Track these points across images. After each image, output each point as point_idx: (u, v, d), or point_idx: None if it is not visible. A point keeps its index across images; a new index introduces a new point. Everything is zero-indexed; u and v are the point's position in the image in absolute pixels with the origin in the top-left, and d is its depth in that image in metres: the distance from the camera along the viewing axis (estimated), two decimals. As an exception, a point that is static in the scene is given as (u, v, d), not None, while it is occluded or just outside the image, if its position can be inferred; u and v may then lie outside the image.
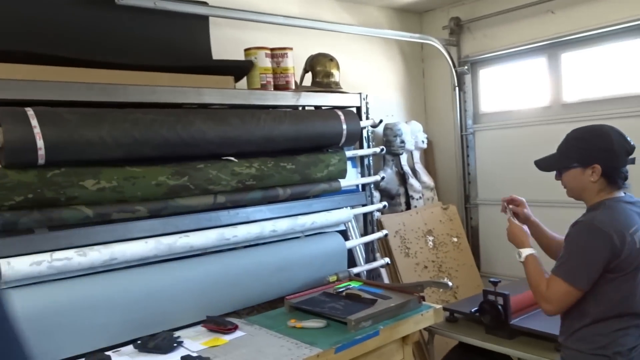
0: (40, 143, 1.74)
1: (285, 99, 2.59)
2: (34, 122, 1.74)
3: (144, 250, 2.05)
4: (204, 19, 2.55)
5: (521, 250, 1.80)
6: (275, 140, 2.43)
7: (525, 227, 1.91)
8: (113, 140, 1.94)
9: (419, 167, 3.88)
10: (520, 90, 3.66)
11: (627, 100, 3.11)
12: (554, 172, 1.80)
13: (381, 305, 2.13)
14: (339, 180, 2.74)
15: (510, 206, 1.97)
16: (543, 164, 1.81)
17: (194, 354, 1.79)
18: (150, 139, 2.04)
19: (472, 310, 2.37)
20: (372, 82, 3.64)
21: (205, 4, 2.55)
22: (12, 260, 1.72)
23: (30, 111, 1.75)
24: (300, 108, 2.72)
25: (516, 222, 1.92)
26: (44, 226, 1.85)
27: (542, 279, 1.70)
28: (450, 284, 2.28)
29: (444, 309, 2.42)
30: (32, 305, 1.75)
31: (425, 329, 2.40)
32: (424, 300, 2.28)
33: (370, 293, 2.27)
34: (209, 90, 2.31)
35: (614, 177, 1.68)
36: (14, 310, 1.64)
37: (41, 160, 1.77)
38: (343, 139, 2.68)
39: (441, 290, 3.16)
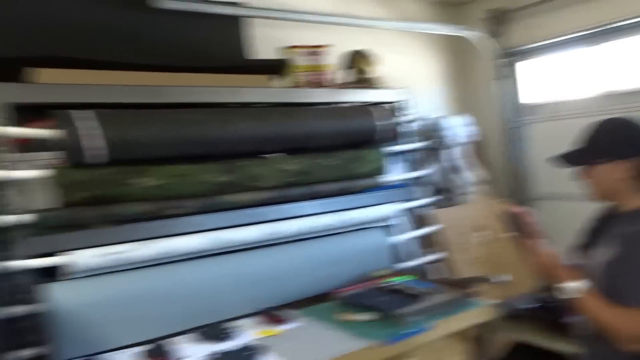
0: (101, 143, 1.81)
1: (322, 96, 2.58)
2: (95, 123, 1.81)
3: (194, 244, 2.09)
4: (238, 19, 2.57)
5: (569, 285, 1.49)
6: (317, 137, 2.42)
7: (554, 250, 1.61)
8: (163, 139, 1.99)
9: (470, 160, 3.77)
10: (564, 81, 3.51)
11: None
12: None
13: (433, 300, 2.07)
14: (380, 175, 2.69)
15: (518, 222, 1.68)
16: (570, 159, 1.60)
17: (254, 344, 1.81)
18: (199, 138, 2.08)
19: (532, 306, 2.26)
20: (416, 76, 3.60)
21: (238, 4, 2.58)
22: (77, 252, 1.82)
23: (91, 113, 1.83)
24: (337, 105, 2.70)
25: (543, 247, 1.60)
26: (103, 221, 1.92)
27: (619, 313, 1.40)
28: (506, 278, 2.18)
29: (501, 305, 2.32)
30: (93, 295, 1.85)
31: (482, 325, 2.31)
32: (479, 296, 2.20)
33: (421, 287, 2.21)
34: (245, 89, 2.32)
35: None
36: (76, 300, 1.76)
37: (102, 159, 1.84)
38: (378, 135, 2.63)
39: (497, 285, 3.04)
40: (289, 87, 2.49)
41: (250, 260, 2.24)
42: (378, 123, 2.57)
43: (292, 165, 2.34)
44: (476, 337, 2.36)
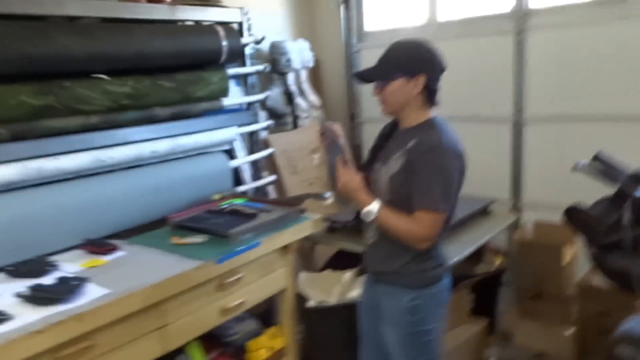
0: None
1: (159, 12, 2.45)
2: None
3: (9, 175, 1.94)
4: None
5: (369, 208, 1.61)
6: (150, 57, 2.33)
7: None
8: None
9: (306, 86, 3.92)
10: (401, 9, 3.76)
11: (494, 19, 3.33)
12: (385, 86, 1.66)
13: (262, 219, 2.23)
14: (222, 99, 2.71)
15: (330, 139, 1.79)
16: (367, 75, 1.68)
17: (71, 275, 1.78)
18: (5, 54, 1.87)
19: (351, 219, 2.55)
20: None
21: None
22: None
23: None
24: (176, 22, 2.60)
25: (348, 168, 1.69)
26: None
27: (408, 221, 1.59)
28: (328, 194, 2.41)
29: (324, 219, 2.58)
30: None
31: (307, 238, 2.56)
32: (304, 212, 2.41)
33: (253, 208, 2.35)
34: (71, 1, 2.13)
35: (434, 93, 1.65)
36: None
37: None
38: (224, 56, 2.62)
39: (324, 203, 3.33)
40: (121, 0, 2.30)
41: (76, 189, 2.15)
42: (224, 44, 2.54)
43: (124, 87, 2.24)
44: (300, 248, 2.61)
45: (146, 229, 2.35)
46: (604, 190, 1.64)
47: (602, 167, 1.51)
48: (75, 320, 1.52)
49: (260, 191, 3.12)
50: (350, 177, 1.68)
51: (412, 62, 1.64)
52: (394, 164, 1.67)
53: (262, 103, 3.22)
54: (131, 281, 1.75)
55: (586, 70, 3.00)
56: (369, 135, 4.02)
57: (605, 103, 2.94)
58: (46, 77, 2.04)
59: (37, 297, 1.59)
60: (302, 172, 3.55)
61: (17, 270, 1.83)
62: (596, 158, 1.55)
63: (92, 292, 1.67)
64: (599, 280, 2.71)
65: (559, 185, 3.14)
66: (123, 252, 2.05)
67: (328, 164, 1.78)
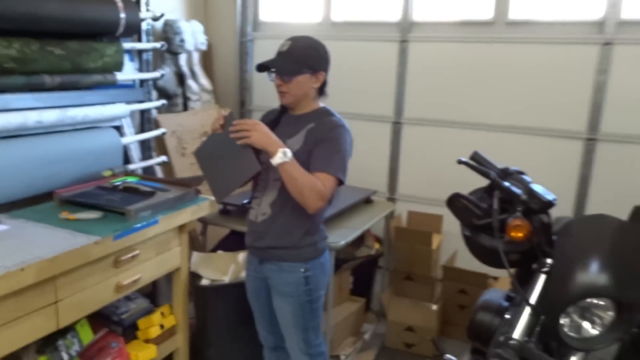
0: None
1: (52, -26, 2.29)
2: None
3: None
4: None
5: (284, 150, 1.68)
6: (41, 20, 2.18)
7: None
8: None
9: (198, 69, 3.88)
10: (298, 4, 3.90)
11: (383, 26, 3.61)
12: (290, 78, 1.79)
13: (160, 197, 2.22)
14: (115, 73, 2.61)
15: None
16: (283, 68, 1.79)
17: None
18: None
19: (244, 202, 2.62)
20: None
21: None
22: None
23: None
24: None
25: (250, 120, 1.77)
26: None
27: (312, 177, 1.71)
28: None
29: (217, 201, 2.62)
30: None
31: (200, 220, 2.58)
32: (200, 194, 2.44)
33: (149, 186, 2.32)
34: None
35: (325, 86, 1.88)
36: None
37: None
38: (121, 29, 2.53)
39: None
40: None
41: (-51, 154, 1.96)
42: (122, 16, 2.45)
43: (9, 49, 2.07)
44: (193, 229, 2.63)
45: (30, 204, 2.21)
46: (466, 187, 1.93)
47: (478, 162, 1.79)
48: (-38, 293, 1.42)
49: (148, 171, 3.05)
50: (258, 123, 1.74)
51: (316, 60, 1.84)
52: (292, 145, 1.81)
53: (154, 82, 3.14)
54: (21, 255, 1.65)
55: (456, 81, 3.41)
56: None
57: (470, 112, 3.38)
58: None
59: None
60: (191, 154, 3.52)
61: None
62: (473, 155, 1.83)
63: (-22, 265, 1.56)
64: (460, 264, 3.13)
65: (429, 181, 3.53)
66: (6, 226, 1.91)
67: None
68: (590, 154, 3.01)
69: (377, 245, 3.16)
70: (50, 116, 2.29)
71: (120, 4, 2.50)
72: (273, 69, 1.83)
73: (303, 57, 1.81)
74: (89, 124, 2.53)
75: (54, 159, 2.30)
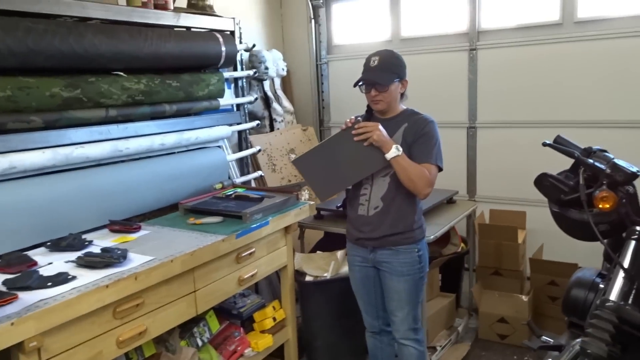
0: None
1: (165, 18, 2.69)
2: None
3: (42, 160, 2.11)
4: None
5: (396, 145, 1.97)
6: (162, 58, 2.56)
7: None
8: (7, 48, 1.93)
9: (280, 93, 4.23)
10: (367, 25, 4.19)
11: (450, 37, 3.81)
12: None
13: (268, 202, 2.51)
14: (218, 99, 2.98)
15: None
16: (381, 79, 2.03)
17: (113, 246, 1.98)
18: (44, 49, 2.06)
19: (337, 206, 2.87)
20: (234, 9, 3.80)
21: None
22: None
23: None
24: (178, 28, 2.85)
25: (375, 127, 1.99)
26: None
27: (419, 166, 1.98)
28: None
29: (316, 206, 2.89)
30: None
31: (298, 223, 2.85)
32: (300, 199, 2.72)
33: (257, 194, 2.63)
34: (93, 4, 2.34)
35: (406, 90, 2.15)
36: None
37: None
38: (222, 60, 2.90)
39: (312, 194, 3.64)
40: (135, 6, 2.53)
41: (98, 175, 2.34)
42: (223, 49, 2.82)
43: (139, 84, 2.46)
44: (298, 229, 2.90)
45: (157, 215, 2.57)
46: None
47: (561, 144, 1.94)
48: (132, 278, 1.74)
49: (251, 183, 3.38)
50: (377, 124, 2.00)
51: (402, 68, 2.12)
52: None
53: (249, 105, 3.49)
54: (167, 251, 1.98)
55: (526, 83, 3.53)
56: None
57: (542, 111, 3.48)
58: (75, 72, 2.24)
59: (93, 261, 1.80)
60: (280, 170, 3.84)
61: (56, 245, 2.01)
62: (556, 139, 1.98)
63: (137, 258, 1.89)
64: (547, 257, 3.20)
65: (506, 180, 3.64)
66: (146, 231, 2.27)
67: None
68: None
69: (462, 243, 3.30)
70: (170, 139, 2.66)
71: (221, 39, 2.88)
72: (370, 82, 2.07)
73: (392, 67, 2.07)
74: (200, 145, 2.90)
75: (176, 175, 2.66)
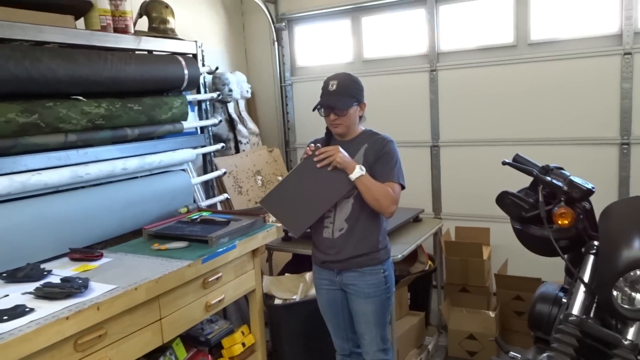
0: None
1: (126, 42, 2.66)
2: None
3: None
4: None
5: (359, 165, 1.99)
6: (123, 82, 2.52)
7: None
8: (-41, 73, 1.87)
9: (245, 114, 4.23)
10: (329, 47, 4.25)
11: (411, 59, 3.90)
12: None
13: (234, 225, 2.48)
14: (182, 122, 2.95)
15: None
16: (340, 104, 2.04)
17: (74, 276, 1.91)
18: (1, 75, 2.00)
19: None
20: (197, 32, 3.81)
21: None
22: None
23: None
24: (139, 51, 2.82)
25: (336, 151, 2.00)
26: None
27: (383, 185, 1.99)
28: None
29: (282, 228, 2.87)
30: None
31: (266, 248, 2.82)
32: (267, 221, 2.70)
33: (223, 217, 2.59)
34: (49, 28, 2.30)
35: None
36: None
37: None
38: (185, 83, 2.88)
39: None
40: (94, 30, 2.49)
41: (57, 202, 2.27)
42: (186, 72, 2.80)
43: (99, 108, 2.41)
44: (266, 251, 2.87)
45: (120, 241, 2.50)
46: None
47: (520, 163, 2.00)
48: (94, 309, 1.68)
49: (216, 205, 3.34)
50: (338, 147, 2.02)
51: (360, 91, 2.14)
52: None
53: (212, 128, 3.47)
54: (130, 279, 1.93)
55: (486, 102, 3.64)
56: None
57: (503, 129, 3.59)
58: (31, 96, 2.18)
59: (52, 292, 1.73)
60: (247, 192, 3.81)
61: (13, 276, 1.93)
62: (515, 157, 2.04)
63: (99, 288, 1.83)
64: (511, 272, 3.27)
65: (470, 197, 3.72)
66: (109, 258, 2.20)
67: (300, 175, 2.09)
68: (626, 158, 3.17)
69: (429, 261, 3.33)
70: (132, 163, 2.61)
71: (183, 62, 2.86)
72: (329, 107, 2.08)
73: (350, 91, 2.09)
74: (163, 169, 2.85)
75: (138, 200, 2.60)
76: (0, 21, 2.09)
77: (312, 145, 2.08)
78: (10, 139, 2.11)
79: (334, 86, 2.08)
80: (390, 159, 2.07)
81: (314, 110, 2.13)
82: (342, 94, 2.07)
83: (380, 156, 2.08)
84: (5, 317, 1.56)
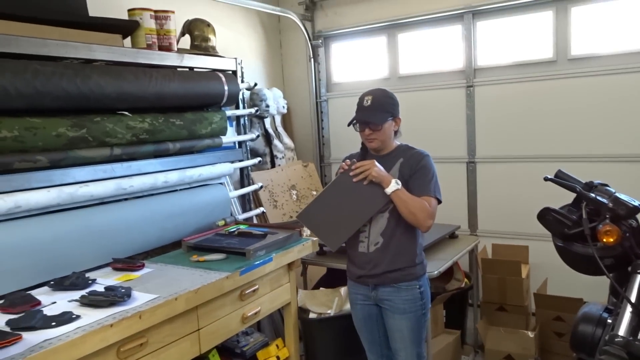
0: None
1: (169, 59, 2.76)
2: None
3: (47, 199, 2.12)
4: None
5: (395, 179, 2.01)
6: (166, 98, 2.61)
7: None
8: (15, 90, 1.97)
9: (281, 130, 4.29)
10: (365, 63, 4.28)
11: (447, 75, 3.89)
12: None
13: (271, 238, 2.51)
14: (221, 137, 3.01)
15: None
16: (374, 119, 2.06)
17: (117, 285, 1.97)
18: (51, 91, 2.10)
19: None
20: (236, 49, 3.91)
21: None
22: None
23: None
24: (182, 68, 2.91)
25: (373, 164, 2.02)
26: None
27: (420, 199, 2.00)
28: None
29: (318, 242, 2.88)
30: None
31: (301, 261, 2.84)
32: (303, 235, 2.71)
33: (260, 231, 2.63)
34: (99, 46, 2.40)
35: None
36: None
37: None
38: (225, 99, 2.95)
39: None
40: (140, 48, 2.60)
41: (102, 214, 2.34)
42: (226, 88, 2.88)
43: (143, 123, 2.50)
44: (301, 265, 2.89)
45: (160, 252, 2.57)
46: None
47: (562, 179, 1.96)
48: (137, 317, 1.73)
49: (253, 219, 3.38)
50: (373, 162, 2.03)
51: (395, 107, 2.15)
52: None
53: (250, 143, 3.53)
54: (171, 289, 1.97)
55: (523, 118, 3.59)
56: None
57: (541, 146, 3.52)
58: (81, 112, 2.28)
59: (97, 300, 1.78)
60: (282, 206, 3.85)
61: (60, 284, 2.00)
62: (558, 173, 2.00)
63: (142, 297, 1.88)
64: (551, 291, 3.18)
65: (507, 214, 3.65)
66: (150, 269, 2.26)
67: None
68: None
69: (466, 279, 3.28)
70: (173, 177, 2.68)
71: (223, 79, 2.94)
72: (364, 122, 2.10)
73: (385, 106, 2.11)
74: (202, 182, 2.91)
75: (178, 213, 2.67)
76: (55, 40, 2.20)
77: (348, 160, 2.10)
78: (61, 152, 2.20)
79: (369, 101, 2.10)
80: (427, 173, 2.07)
81: (349, 125, 2.15)
82: (377, 109, 2.09)
83: (417, 170, 2.08)
84: (53, 323, 1.63)
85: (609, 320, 1.81)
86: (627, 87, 3.22)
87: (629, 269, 1.75)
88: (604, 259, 1.74)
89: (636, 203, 1.78)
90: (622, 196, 1.81)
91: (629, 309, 1.67)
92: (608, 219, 1.75)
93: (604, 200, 1.79)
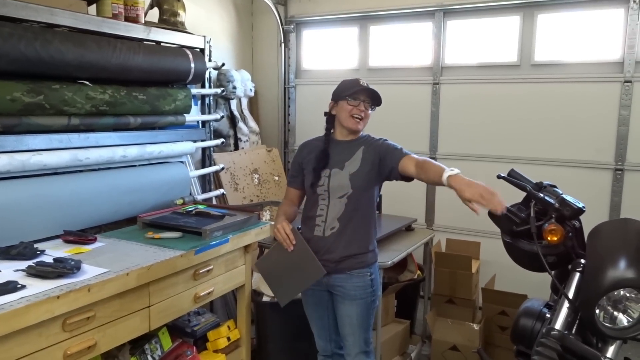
0: None
1: (135, 31, 2.69)
2: None
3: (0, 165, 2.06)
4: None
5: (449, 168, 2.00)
6: (130, 70, 2.55)
7: None
8: (-32, 49, 1.90)
9: (247, 113, 4.26)
10: (336, 53, 4.29)
11: (415, 71, 3.95)
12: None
13: (229, 220, 2.50)
14: (184, 115, 2.97)
15: None
16: (379, 100, 2.12)
17: (67, 256, 1.93)
18: (8, 52, 2.03)
19: (298, 227, 2.88)
20: (206, 27, 3.84)
21: None
22: None
23: None
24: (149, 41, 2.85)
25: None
26: None
27: (423, 160, 1.98)
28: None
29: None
30: None
31: (258, 243, 2.84)
32: (261, 219, 2.72)
33: (218, 212, 2.62)
34: (62, 11, 2.32)
35: None
36: None
37: None
38: (190, 77, 2.91)
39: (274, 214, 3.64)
40: (105, 17, 2.52)
41: (55, 184, 2.28)
42: (192, 66, 2.83)
43: (104, 94, 2.44)
44: (258, 248, 2.90)
45: (116, 227, 2.52)
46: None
47: (515, 177, 2.04)
48: (85, 290, 1.70)
49: (211, 200, 3.36)
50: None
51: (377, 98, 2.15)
52: (351, 166, 2.09)
53: (214, 123, 3.50)
54: (122, 264, 1.94)
55: (485, 118, 3.68)
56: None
57: (501, 146, 3.63)
58: (39, 77, 2.21)
59: (44, 271, 1.74)
60: (243, 189, 3.84)
61: (6, 253, 1.94)
62: (510, 172, 2.08)
63: (92, 270, 1.85)
64: (498, 287, 3.30)
65: (463, 211, 3.74)
66: (102, 243, 2.22)
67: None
68: (619, 183, 3.21)
69: (418, 272, 3.36)
70: (132, 152, 2.63)
71: (190, 56, 2.89)
72: (373, 98, 2.12)
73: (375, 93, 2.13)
74: (162, 159, 2.87)
75: (135, 188, 2.62)
76: (14, 1, 2.12)
77: (287, 227, 2.08)
78: (15, 118, 2.13)
79: (366, 84, 2.12)
80: (394, 146, 2.09)
81: (352, 94, 2.09)
82: (375, 95, 2.12)
83: (384, 150, 2.09)
84: (-4, 292, 1.58)
85: (548, 315, 1.90)
86: (585, 96, 3.35)
87: (570, 267, 1.84)
88: (547, 256, 1.82)
89: (580, 205, 1.87)
90: (569, 198, 1.90)
91: (566, 304, 1.76)
92: (554, 218, 1.83)
93: (551, 201, 1.87)
